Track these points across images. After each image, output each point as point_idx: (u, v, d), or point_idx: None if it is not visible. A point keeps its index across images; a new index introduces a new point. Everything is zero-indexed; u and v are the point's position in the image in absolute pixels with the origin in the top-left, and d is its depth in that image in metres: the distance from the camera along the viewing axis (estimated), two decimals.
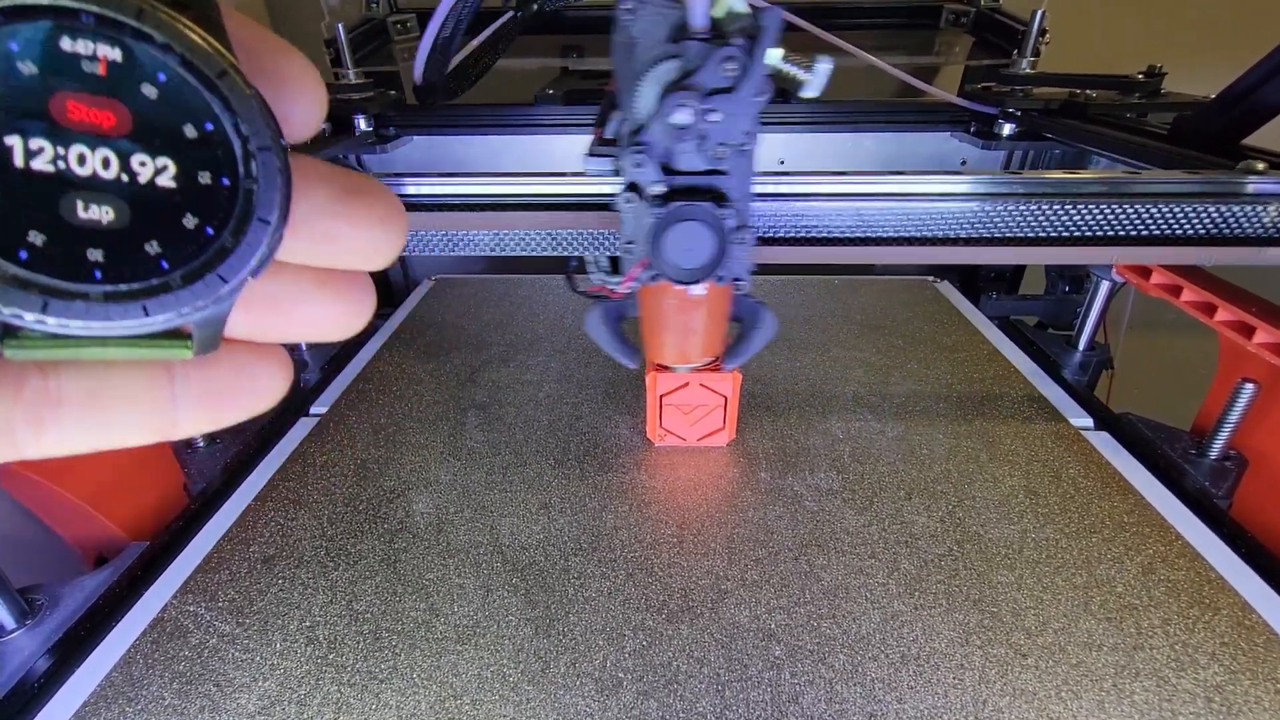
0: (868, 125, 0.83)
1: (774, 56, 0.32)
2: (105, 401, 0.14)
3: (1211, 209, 0.42)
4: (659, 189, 0.35)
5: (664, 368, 0.51)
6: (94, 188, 0.12)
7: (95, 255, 0.13)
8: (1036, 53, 0.80)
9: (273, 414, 0.62)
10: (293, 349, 0.72)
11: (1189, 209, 0.42)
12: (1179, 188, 0.43)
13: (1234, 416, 0.52)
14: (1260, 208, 0.42)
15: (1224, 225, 0.43)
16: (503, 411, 0.60)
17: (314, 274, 0.16)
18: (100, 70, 0.12)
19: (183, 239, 0.13)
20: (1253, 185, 0.43)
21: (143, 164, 0.13)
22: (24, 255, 0.12)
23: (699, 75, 0.32)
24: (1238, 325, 0.50)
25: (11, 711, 0.36)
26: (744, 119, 0.33)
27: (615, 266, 0.46)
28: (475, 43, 0.58)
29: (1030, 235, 0.43)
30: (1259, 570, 0.42)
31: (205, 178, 0.13)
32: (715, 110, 0.32)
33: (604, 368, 0.67)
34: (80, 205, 0.12)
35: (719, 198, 0.36)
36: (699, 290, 0.41)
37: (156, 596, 0.42)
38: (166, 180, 0.13)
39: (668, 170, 0.35)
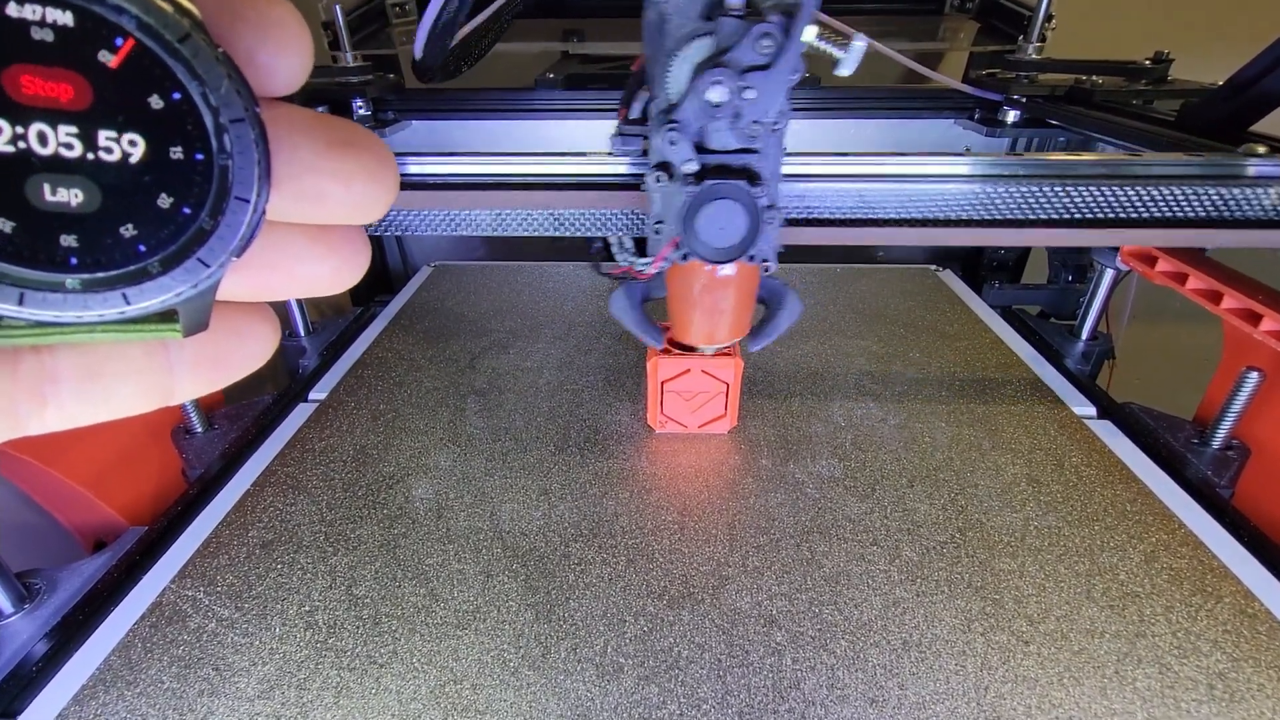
0: (871, 112, 0.83)
1: (809, 34, 0.31)
2: (102, 375, 0.14)
3: (1212, 192, 0.42)
4: (692, 167, 0.35)
5: (668, 352, 0.50)
6: (60, 168, 0.11)
7: (69, 241, 0.12)
8: (1042, 38, 0.79)
9: (272, 400, 0.61)
10: (292, 336, 0.71)
11: (1189, 191, 0.42)
12: (1180, 170, 0.43)
13: (1238, 405, 0.51)
14: (1261, 190, 0.42)
15: (1224, 208, 0.42)
16: (503, 398, 0.60)
17: (305, 230, 0.15)
18: (51, 37, 0.11)
19: (159, 220, 0.12)
20: (1254, 168, 0.42)
21: (109, 140, 0.11)
22: None
23: (734, 52, 0.31)
24: (1243, 312, 0.50)
25: (10, 695, 0.36)
26: (779, 97, 0.32)
27: (641, 248, 0.46)
28: (476, 21, 0.58)
29: (1031, 217, 0.43)
30: (1261, 559, 0.42)
31: (177, 153, 0.12)
32: (750, 88, 0.32)
33: (604, 355, 0.66)
34: (47, 188, 0.11)
35: (752, 177, 0.35)
36: (728, 270, 0.41)
37: (155, 581, 0.42)
38: (136, 157, 0.12)
39: (700, 149, 0.35)
